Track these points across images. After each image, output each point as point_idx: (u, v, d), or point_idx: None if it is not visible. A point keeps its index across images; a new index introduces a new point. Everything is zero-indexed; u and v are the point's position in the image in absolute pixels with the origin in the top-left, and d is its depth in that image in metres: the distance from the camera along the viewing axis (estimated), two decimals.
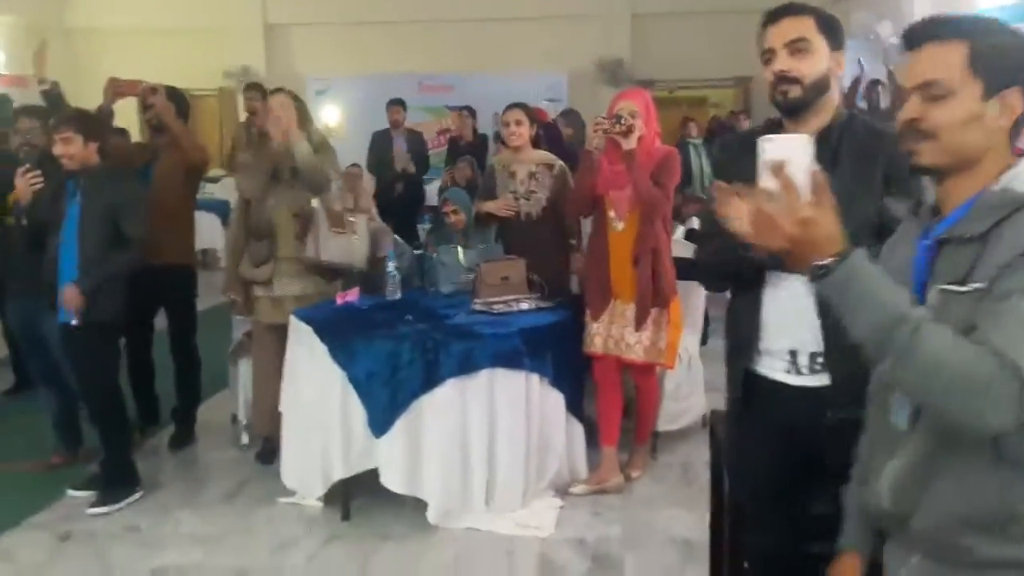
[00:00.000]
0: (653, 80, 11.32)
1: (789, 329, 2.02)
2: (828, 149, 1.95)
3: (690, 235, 5.63)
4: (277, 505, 3.82)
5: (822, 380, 1.99)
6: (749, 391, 2.10)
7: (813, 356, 2.00)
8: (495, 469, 3.61)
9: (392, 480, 3.53)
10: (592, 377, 3.92)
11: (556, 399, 3.77)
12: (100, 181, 3.82)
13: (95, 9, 12.37)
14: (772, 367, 2.06)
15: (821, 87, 2.00)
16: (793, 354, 2.03)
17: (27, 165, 3.96)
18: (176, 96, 4.53)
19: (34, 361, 4.36)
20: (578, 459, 3.89)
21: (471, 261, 4.32)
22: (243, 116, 7.58)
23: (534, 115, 4.44)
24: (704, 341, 4.71)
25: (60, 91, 4.83)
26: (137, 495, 3.92)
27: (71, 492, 3.96)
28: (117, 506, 3.83)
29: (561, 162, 4.42)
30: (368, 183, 6.98)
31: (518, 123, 4.31)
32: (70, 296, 3.68)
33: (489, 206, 4.36)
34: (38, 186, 3.87)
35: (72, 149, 3.77)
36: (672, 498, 3.83)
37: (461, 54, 12.10)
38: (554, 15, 12.05)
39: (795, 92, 1.98)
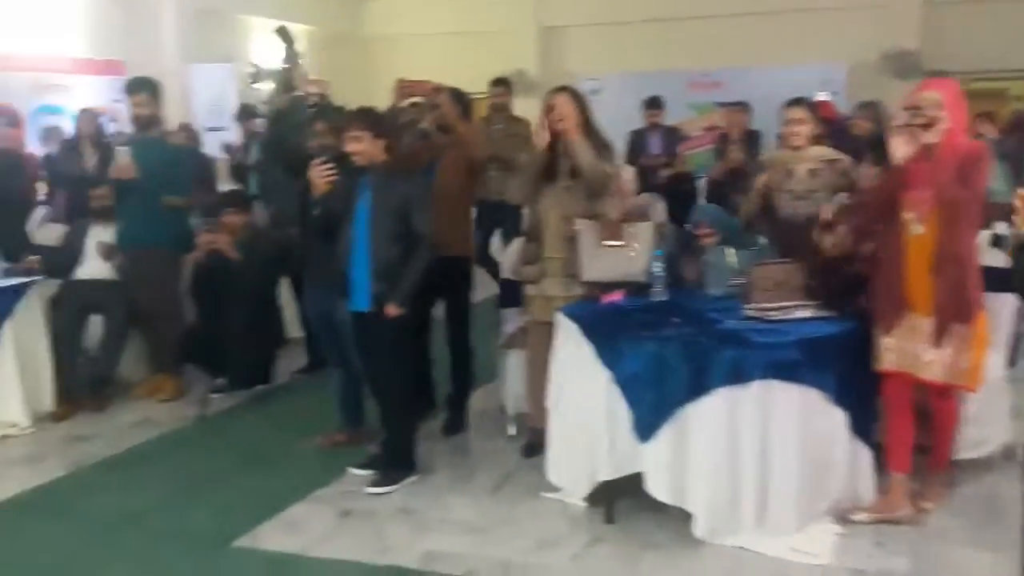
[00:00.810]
0: (946, 71, 10.36)
1: None
2: None
3: (996, 241, 5.06)
4: (541, 500, 3.85)
5: None
6: None
7: None
8: (767, 487, 3.40)
9: (657, 488, 3.44)
10: (882, 397, 3.60)
11: (838, 417, 3.49)
12: (389, 177, 4.02)
13: (386, 17, 13.35)
14: None
15: None
16: None
17: (322, 159, 4.22)
18: (460, 97, 4.70)
19: (326, 344, 4.68)
20: (862, 484, 3.57)
21: (742, 263, 4.12)
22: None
23: (817, 112, 4.16)
24: (1013, 362, 4.19)
25: (330, 99, 5.17)
26: (413, 478, 4.10)
27: (352, 471, 4.21)
28: (394, 487, 4.02)
29: (847, 157, 4.11)
30: (628, 179, 6.85)
31: (799, 121, 4.07)
32: (391, 313, 3.92)
33: (761, 180, 4.11)
34: (331, 179, 4.12)
35: (361, 146, 3.99)
36: (971, 535, 3.43)
37: (732, 49, 11.79)
38: (833, 6, 11.40)
39: None
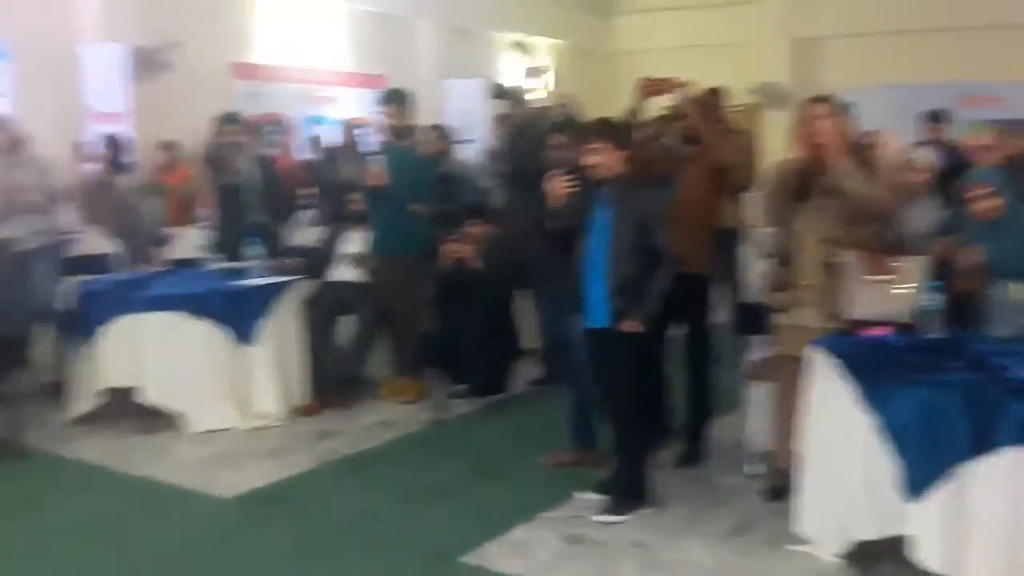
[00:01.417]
0: None
1: None
2: None
3: None
4: (786, 552, 3.51)
5: None
6: None
7: None
8: None
9: (927, 555, 3.04)
10: None
11: None
12: (629, 190, 3.87)
13: (635, 30, 13.35)
14: None
15: None
16: None
17: (561, 170, 4.11)
18: (707, 101, 4.44)
19: (559, 358, 4.57)
20: None
21: None
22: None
23: None
24: None
25: (571, 111, 5.07)
26: (645, 510, 3.90)
27: (580, 495, 4.06)
28: (624, 517, 3.84)
29: None
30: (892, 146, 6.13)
31: None
32: (631, 329, 3.78)
33: None
34: (568, 191, 3.99)
35: (600, 158, 3.86)
36: None
37: (1013, 62, 10.63)
38: None
39: None
